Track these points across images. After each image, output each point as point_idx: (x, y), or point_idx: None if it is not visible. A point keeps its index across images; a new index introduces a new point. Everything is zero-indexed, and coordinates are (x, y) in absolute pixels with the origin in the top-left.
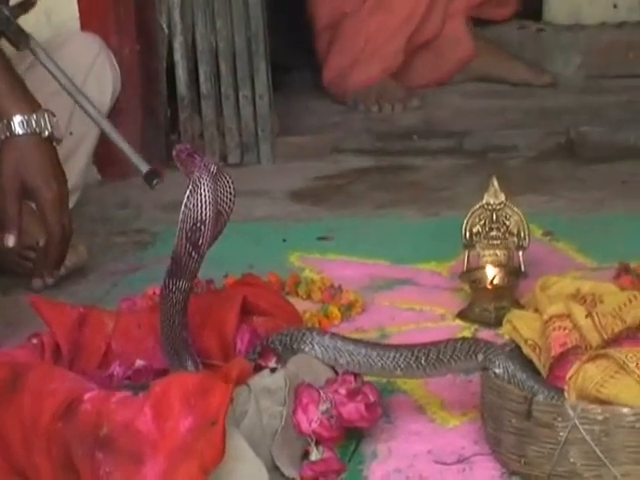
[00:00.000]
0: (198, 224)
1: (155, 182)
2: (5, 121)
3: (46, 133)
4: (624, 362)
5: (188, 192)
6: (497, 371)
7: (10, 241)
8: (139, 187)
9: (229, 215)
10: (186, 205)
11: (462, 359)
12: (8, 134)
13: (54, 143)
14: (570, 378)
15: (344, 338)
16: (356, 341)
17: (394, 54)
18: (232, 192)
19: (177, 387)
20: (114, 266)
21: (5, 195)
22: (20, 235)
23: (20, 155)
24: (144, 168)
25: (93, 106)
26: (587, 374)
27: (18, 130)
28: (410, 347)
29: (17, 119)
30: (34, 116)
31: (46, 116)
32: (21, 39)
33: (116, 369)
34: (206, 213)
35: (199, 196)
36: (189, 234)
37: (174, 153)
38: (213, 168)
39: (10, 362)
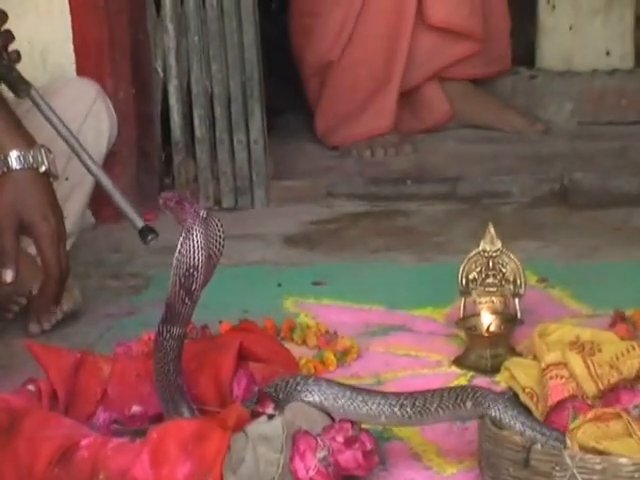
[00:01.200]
0: (191, 270)
1: (150, 238)
2: (2, 156)
3: (43, 168)
4: (629, 422)
5: (181, 239)
6: (492, 414)
7: (8, 276)
8: (133, 230)
9: (219, 258)
10: (180, 252)
11: (450, 408)
12: (5, 169)
13: (50, 179)
14: (571, 431)
15: (329, 381)
16: (341, 385)
17: (387, 111)
18: (221, 235)
19: (174, 433)
20: (108, 310)
21: (2, 230)
22: (18, 270)
23: (17, 190)
24: (139, 224)
25: (92, 159)
26: (587, 431)
27: (15, 165)
28: (397, 394)
29: (14, 154)
30: (31, 151)
31: (42, 152)
32: (21, 87)
33: (101, 415)
34: (199, 258)
35: (192, 242)
36: (182, 280)
37: (161, 202)
38: (203, 213)
39: (5, 407)
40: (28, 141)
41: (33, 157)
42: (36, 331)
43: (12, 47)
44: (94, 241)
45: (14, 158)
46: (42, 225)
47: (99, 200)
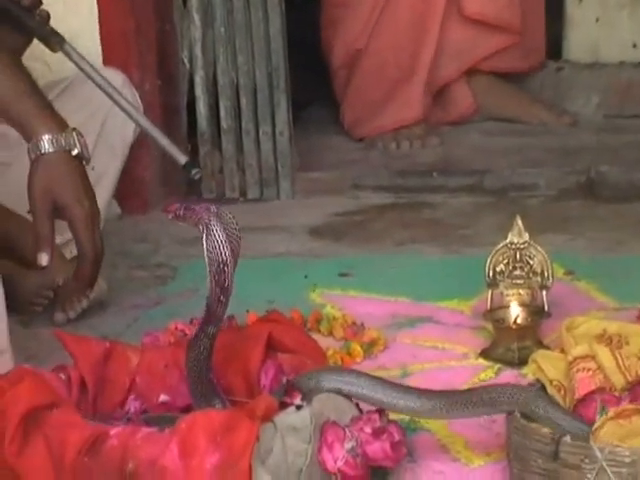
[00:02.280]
0: (221, 266)
1: (195, 172)
2: (34, 140)
3: (75, 151)
4: None
5: (204, 237)
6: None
7: (44, 260)
8: (158, 221)
9: (239, 252)
10: (208, 250)
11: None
12: (38, 153)
13: (83, 162)
14: (594, 431)
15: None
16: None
17: (413, 102)
18: (237, 227)
19: (203, 424)
20: (135, 300)
21: (37, 214)
22: (53, 254)
23: (50, 173)
24: (182, 159)
25: (129, 103)
26: (610, 430)
27: (48, 149)
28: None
29: (46, 138)
30: (63, 135)
31: (74, 135)
32: (55, 41)
33: (132, 404)
34: (225, 252)
35: (214, 238)
36: (216, 278)
37: (170, 216)
38: (214, 209)
39: (51, 391)
40: (60, 124)
41: (65, 140)
42: (62, 320)
43: None
44: (120, 232)
45: (46, 141)
46: (76, 207)
47: (125, 191)
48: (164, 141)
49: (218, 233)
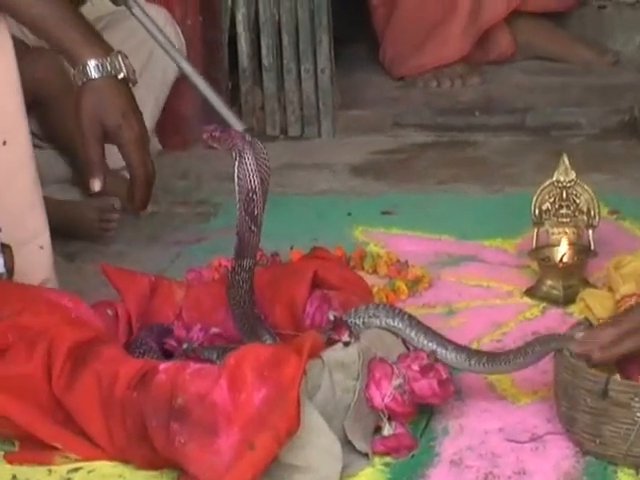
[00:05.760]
0: (250, 194)
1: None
2: (80, 67)
3: (121, 75)
4: None
5: (236, 163)
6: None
7: (96, 185)
8: (199, 158)
9: (269, 183)
10: (238, 177)
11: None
12: (84, 79)
13: (130, 84)
14: None
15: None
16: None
17: (454, 41)
18: (267, 158)
19: (251, 359)
20: (177, 236)
21: (87, 140)
22: (105, 179)
23: (98, 98)
24: (240, 127)
25: (188, 63)
26: None
27: (94, 74)
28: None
29: (92, 63)
30: (108, 59)
31: (120, 58)
32: None
33: (196, 334)
34: (255, 181)
35: (246, 165)
36: (245, 206)
37: (205, 136)
38: (248, 137)
39: (96, 328)
40: (104, 48)
41: (111, 64)
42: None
43: None
44: (161, 168)
45: (92, 67)
46: (126, 130)
47: (166, 127)
48: (222, 107)
49: (250, 161)
